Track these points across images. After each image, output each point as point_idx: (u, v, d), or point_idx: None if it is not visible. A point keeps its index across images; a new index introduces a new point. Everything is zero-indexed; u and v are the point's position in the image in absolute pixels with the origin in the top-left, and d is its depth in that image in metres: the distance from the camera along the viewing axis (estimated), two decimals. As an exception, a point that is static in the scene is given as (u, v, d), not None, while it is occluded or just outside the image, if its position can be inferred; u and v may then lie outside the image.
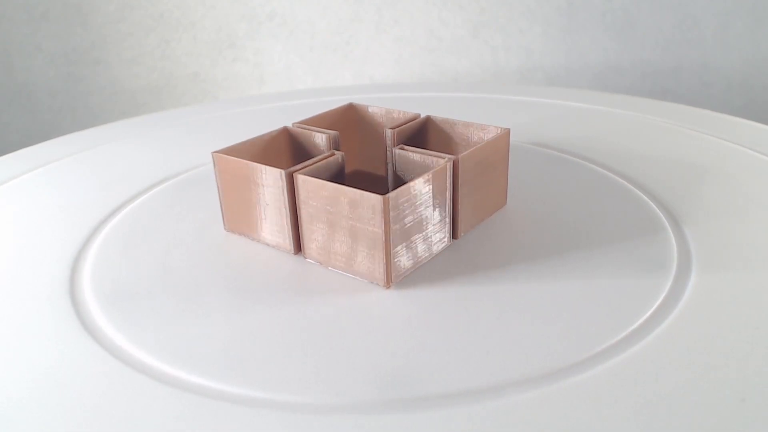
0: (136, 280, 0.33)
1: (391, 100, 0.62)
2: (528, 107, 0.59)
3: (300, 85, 1.04)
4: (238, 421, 0.24)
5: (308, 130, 0.38)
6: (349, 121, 0.43)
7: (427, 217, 0.32)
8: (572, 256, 0.34)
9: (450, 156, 0.33)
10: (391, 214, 0.30)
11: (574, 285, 0.31)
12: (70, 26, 1.02)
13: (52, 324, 0.30)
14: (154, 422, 0.24)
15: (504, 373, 0.25)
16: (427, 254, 0.33)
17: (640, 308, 0.29)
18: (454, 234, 0.35)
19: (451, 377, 0.25)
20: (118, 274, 0.34)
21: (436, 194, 0.32)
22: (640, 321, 0.28)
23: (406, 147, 0.35)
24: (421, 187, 0.31)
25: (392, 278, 0.31)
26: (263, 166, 0.33)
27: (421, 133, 0.40)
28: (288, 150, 0.39)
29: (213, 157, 0.36)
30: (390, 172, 0.36)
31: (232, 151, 0.36)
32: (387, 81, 1.02)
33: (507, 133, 0.37)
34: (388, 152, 0.37)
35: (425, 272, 0.33)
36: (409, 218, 0.31)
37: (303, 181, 0.32)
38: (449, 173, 0.33)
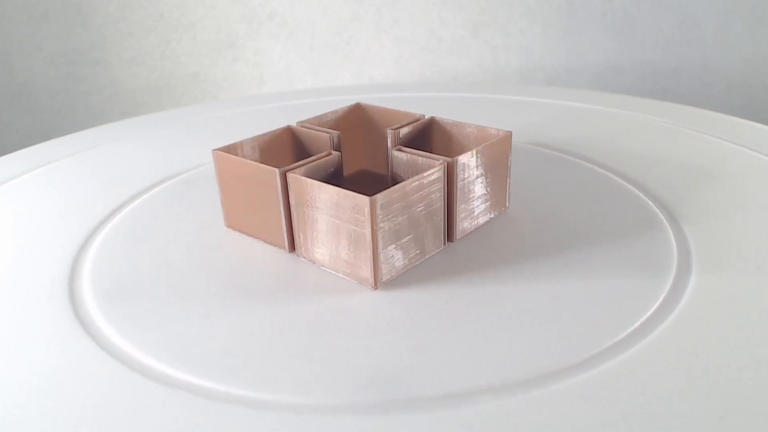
0: (135, 280, 0.33)
1: (391, 100, 0.62)
2: (528, 107, 0.59)
3: (300, 85, 1.04)
4: (235, 421, 0.24)
5: (310, 129, 0.38)
6: (357, 121, 0.43)
7: (419, 219, 0.32)
8: (572, 256, 0.34)
9: (445, 158, 0.33)
10: (379, 215, 0.30)
11: (574, 285, 0.31)
12: (70, 26, 1.01)
13: (52, 324, 0.30)
14: (152, 422, 0.24)
15: (503, 374, 0.25)
16: (420, 256, 0.33)
17: (639, 308, 0.29)
18: (449, 236, 0.35)
19: (445, 378, 0.25)
20: (117, 274, 0.34)
21: (429, 196, 0.32)
22: (640, 321, 0.28)
23: (403, 148, 0.35)
24: (412, 189, 0.31)
25: (381, 279, 0.31)
26: (261, 165, 0.33)
27: (425, 134, 0.40)
28: (291, 149, 0.39)
29: (213, 155, 0.36)
30: (390, 173, 0.36)
31: (233, 149, 0.36)
32: (387, 81, 1.02)
33: (509, 136, 0.36)
34: (388, 153, 0.37)
35: (425, 273, 0.33)
36: (399, 220, 0.31)
37: (294, 180, 0.32)
38: (443, 176, 0.33)
